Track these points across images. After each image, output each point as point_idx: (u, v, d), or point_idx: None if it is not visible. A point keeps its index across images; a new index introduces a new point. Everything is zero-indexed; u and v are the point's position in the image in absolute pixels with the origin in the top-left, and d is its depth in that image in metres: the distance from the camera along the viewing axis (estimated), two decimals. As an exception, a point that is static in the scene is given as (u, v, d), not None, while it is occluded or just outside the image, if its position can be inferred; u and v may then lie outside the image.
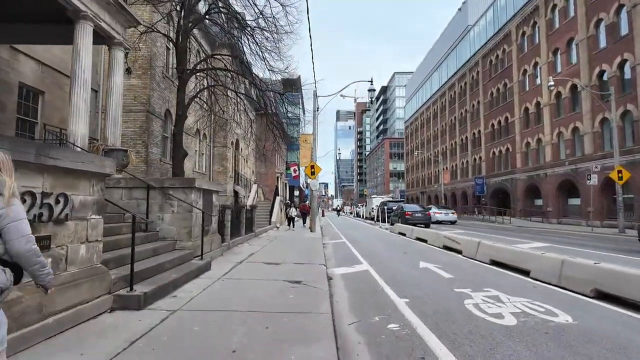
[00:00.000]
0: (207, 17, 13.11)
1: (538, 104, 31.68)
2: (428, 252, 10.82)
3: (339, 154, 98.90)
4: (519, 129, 34.59)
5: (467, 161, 46.73)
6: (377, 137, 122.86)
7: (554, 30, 29.77)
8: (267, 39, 12.89)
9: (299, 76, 22.04)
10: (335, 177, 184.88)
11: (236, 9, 13.02)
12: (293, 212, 21.62)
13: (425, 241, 13.52)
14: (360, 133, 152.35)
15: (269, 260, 8.58)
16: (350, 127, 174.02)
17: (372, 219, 34.64)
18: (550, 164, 29.79)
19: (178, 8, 12.03)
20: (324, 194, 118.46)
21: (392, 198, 55.70)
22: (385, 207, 29.21)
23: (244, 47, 13.42)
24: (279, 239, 14.37)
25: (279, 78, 14.30)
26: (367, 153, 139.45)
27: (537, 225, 26.18)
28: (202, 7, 14.04)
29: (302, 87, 19.76)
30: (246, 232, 13.87)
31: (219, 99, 15.50)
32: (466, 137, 46.82)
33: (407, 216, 22.99)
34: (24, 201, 3.15)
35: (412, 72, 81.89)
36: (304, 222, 24.05)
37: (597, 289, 5.19)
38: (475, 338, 3.76)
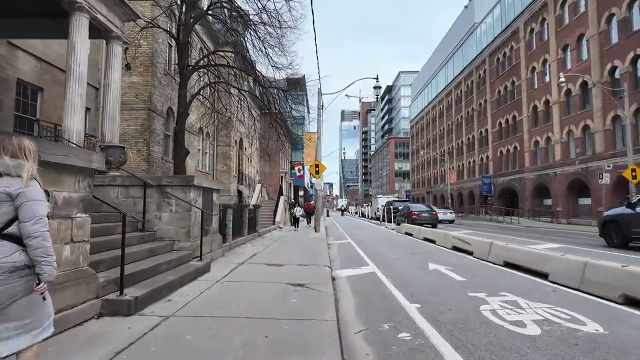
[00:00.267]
0: (209, 12, 12.82)
1: (547, 101, 31.06)
2: (437, 253, 10.42)
3: (344, 153, 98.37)
4: (527, 127, 33.96)
5: (473, 160, 46.10)
6: (382, 136, 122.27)
7: (563, 27, 29.15)
8: (270, 35, 12.60)
9: (303, 75, 21.69)
10: (340, 177, 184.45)
11: (239, 4, 12.74)
12: (298, 212, 21.28)
13: (433, 242, 13.11)
14: (365, 133, 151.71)
15: (271, 261, 8.25)
16: (355, 127, 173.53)
17: (378, 219, 34.22)
18: (559, 163, 29.17)
19: (179, 2, 11.76)
20: (328, 193, 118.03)
21: (398, 198, 55.26)
22: (391, 207, 28.77)
23: (247, 43, 13.13)
24: (282, 239, 14.04)
25: (283, 75, 13.96)
26: (372, 153, 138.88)
27: (546, 225, 25.60)
28: (205, 3, 13.77)
29: (307, 83, 19.43)
30: (249, 232, 13.56)
31: (222, 97, 15.22)
32: (473, 136, 46.20)
33: (413, 216, 22.57)
34: None
35: (417, 72, 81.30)
36: (309, 221, 23.73)
37: (626, 294, 4.78)
38: (497, 350, 3.39)
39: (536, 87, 32.87)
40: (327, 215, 46.48)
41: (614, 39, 24.12)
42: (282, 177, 35.87)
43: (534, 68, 33.15)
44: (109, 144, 8.16)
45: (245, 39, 12.94)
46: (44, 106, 11.53)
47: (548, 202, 31.50)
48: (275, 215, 22.68)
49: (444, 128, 57.16)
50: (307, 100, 28.31)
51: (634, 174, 18.20)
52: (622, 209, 11.62)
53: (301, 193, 48.54)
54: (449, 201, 43.93)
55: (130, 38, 11.99)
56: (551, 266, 6.43)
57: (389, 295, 5.55)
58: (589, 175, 25.52)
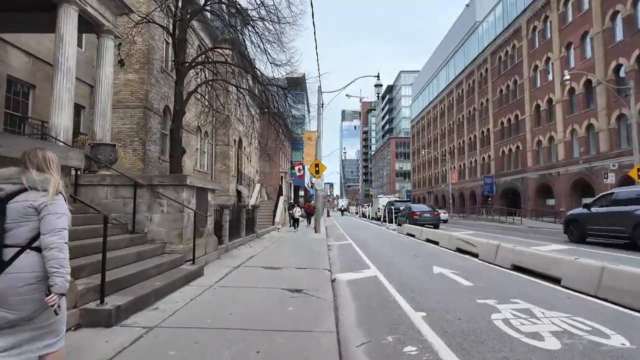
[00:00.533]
0: (206, 6, 12.49)
1: (550, 100, 30.67)
2: (440, 255, 10.07)
3: (345, 153, 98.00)
4: (530, 126, 33.58)
5: (475, 160, 45.71)
6: (383, 136, 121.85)
7: (567, 24, 28.77)
8: (268, 31, 12.26)
9: (303, 74, 21.36)
10: (341, 177, 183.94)
11: (237, -1, 12.40)
12: (297, 212, 20.93)
13: (436, 243, 12.76)
14: (365, 133, 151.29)
15: (268, 264, 7.91)
16: (355, 127, 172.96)
17: (379, 219, 33.85)
18: (563, 163, 28.79)
19: (174, -4, 11.44)
20: (329, 194, 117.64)
21: (399, 198, 54.89)
22: (392, 207, 28.41)
23: (245, 39, 12.79)
24: (281, 241, 13.70)
25: (282, 73, 13.63)
26: (372, 153, 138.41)
27: (549, 225, 25.22)
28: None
29: (307, 81, 19.09)
30: (247, 233, 13.22)
31: (220, 95, 14.88)
32: (474, 136, 45.80)
33: (415, 216, 22.21)
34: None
35: (418, 71, 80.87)
36: (309, 222, 23.39)
37: (650, 302, 4.44)
38: (514, 367, 3.05)
39: (539, 85, 32.47)
40: (328, 215, 46.14)
41: (619, 36, 23.73)
42: (282, 177, 35.52)
43: (536, 66, 32.75)
44: (99, 142, 7.82)
45: (244, 35, 12.61)
46: (36, 104, 11.19)
47: (551, 202, 31.11)
48: (274, 215, 22.33)
49: (445, 127, 56.75)
50: (307, 99, 27.97)
51: (639, 173, 17.83)
52: (581, 210, 13.22)
53: (301, 193, 48.20)
54: (450, 201, 43.50)
55: (126, 34, 11.65)
56: (564, 270, 6.08)
57: (392, 302, 5.20)
58: (593, 175, 25.14)
